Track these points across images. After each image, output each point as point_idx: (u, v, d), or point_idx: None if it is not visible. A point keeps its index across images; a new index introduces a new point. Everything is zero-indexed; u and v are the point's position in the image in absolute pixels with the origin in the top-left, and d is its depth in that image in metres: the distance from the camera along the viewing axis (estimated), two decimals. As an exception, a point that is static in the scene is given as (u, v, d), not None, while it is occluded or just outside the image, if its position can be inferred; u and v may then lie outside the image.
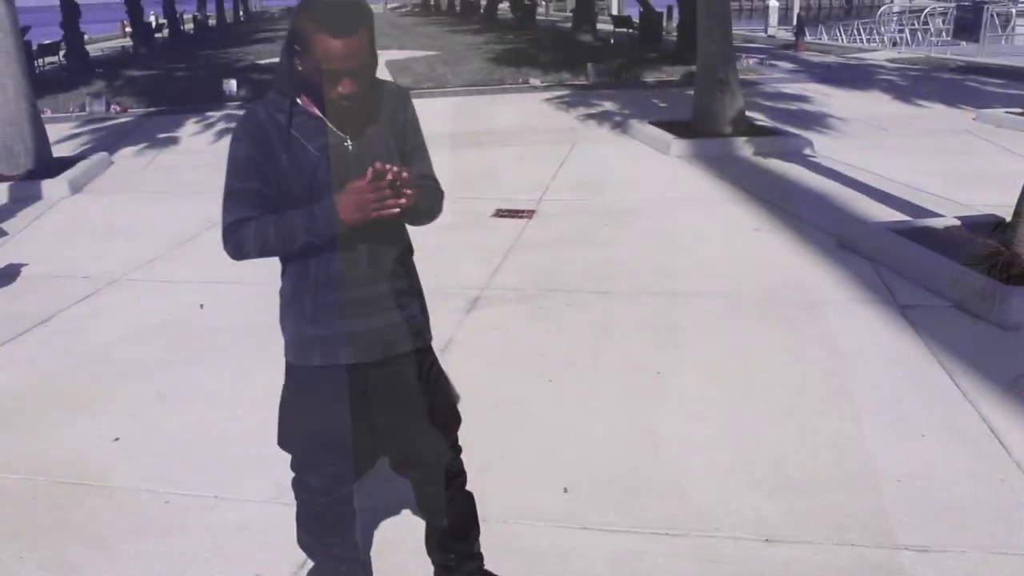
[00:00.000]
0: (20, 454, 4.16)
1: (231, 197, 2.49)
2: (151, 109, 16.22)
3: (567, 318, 5.62)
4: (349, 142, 2.47)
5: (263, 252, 2.49)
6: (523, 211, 8.15)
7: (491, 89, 16.95)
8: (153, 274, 6.89)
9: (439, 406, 2.77)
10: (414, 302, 2.68)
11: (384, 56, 19.89)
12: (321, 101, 2.43)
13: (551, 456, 3.99)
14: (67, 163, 10.66)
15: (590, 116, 13.55)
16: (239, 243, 2.49)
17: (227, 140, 10.55)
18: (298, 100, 2.46)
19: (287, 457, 4.00)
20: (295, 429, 2.74)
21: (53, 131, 11.90)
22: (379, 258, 2.56)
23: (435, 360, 2.80)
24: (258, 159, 2.44)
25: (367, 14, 2.33)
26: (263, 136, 2.44)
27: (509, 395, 4.52)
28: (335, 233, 2.40)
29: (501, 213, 8.13)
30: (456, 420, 2.85)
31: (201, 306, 6.04)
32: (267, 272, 6.81)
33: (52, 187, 9.75)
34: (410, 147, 2.60)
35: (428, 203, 2.60)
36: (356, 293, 2.55)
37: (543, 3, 57.10)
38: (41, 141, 10.63)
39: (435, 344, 2.85)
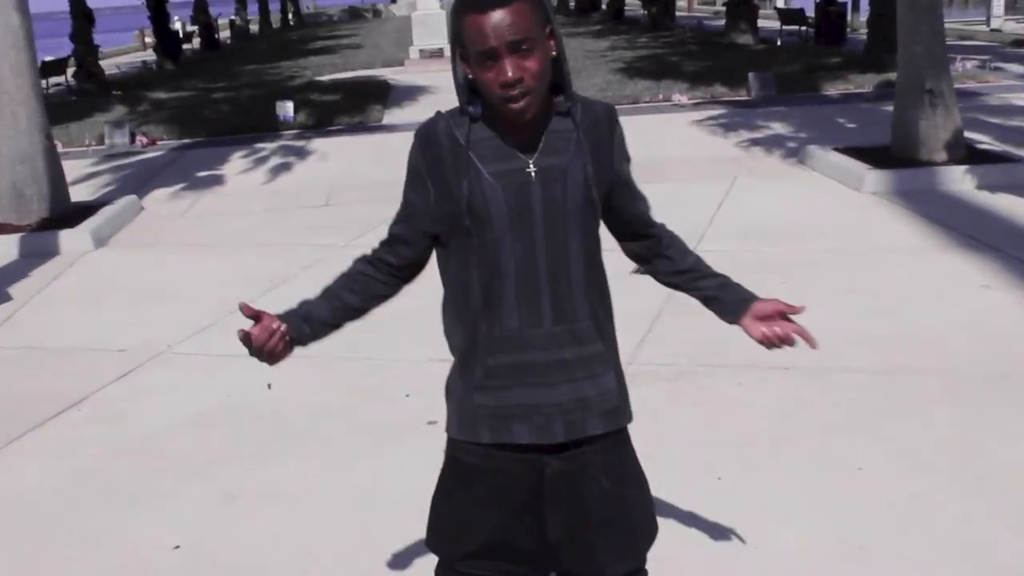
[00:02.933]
0: (69, 561, 4.55)
1: (401, 205, 2.84)
2: (186, 141, 17.17)
3: (737, 400, 5.84)
4: (532, 166, 2.67)
5: None
6: (672, 265, 8.41)
7: (623, 109, 17.32)
8: (205, 346, 7.34)
9: (631, 513, 2.90)
10: (609, 372, 2.82)
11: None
12: (494, 111, 2.66)
13: (726, 569, 4.19)
14: (88, 209, 11.42)
15: (755, 141, 13.81)
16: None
17: (284, 177, 11.30)
18: (477, 114, 2.70)
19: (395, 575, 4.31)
20: (448, 524, 2.90)
21: (68, 170, 12.66)
22: (568, 314, 2.73)
23: (631, 450, 2.96)
24: (422, 175, 2.72)
25: None
26: (436, 150, 2.69)
27: (669, 494, 4.74)
28: None
29: (645, 269, 8.40)
30: (650, 534, 2.97)
31: (269, 386, 6.44)
32: (352, 344, 7.23)
33: (72, 239, 10.44)
34: (622, 179, 2.82)
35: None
36: (536, 356, 2.71)
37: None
38: (58, 183, 11.39)
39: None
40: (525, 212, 2.65)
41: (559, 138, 2.68)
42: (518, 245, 2.67)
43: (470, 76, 2.62)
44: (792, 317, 2.94)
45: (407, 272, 2.87)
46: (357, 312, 2.91)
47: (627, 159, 2.84)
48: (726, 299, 3.02)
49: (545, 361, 2.72)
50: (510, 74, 2.51)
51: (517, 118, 2.58)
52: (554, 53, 2.63)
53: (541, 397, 2.73)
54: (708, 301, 3.05)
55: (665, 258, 3.05)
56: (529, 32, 2.52)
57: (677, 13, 42.04)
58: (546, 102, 2.66)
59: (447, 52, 23.58)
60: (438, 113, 2.76)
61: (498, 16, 2.49)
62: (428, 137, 2.71)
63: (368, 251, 2.90)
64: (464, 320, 2.77)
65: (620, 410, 2.87)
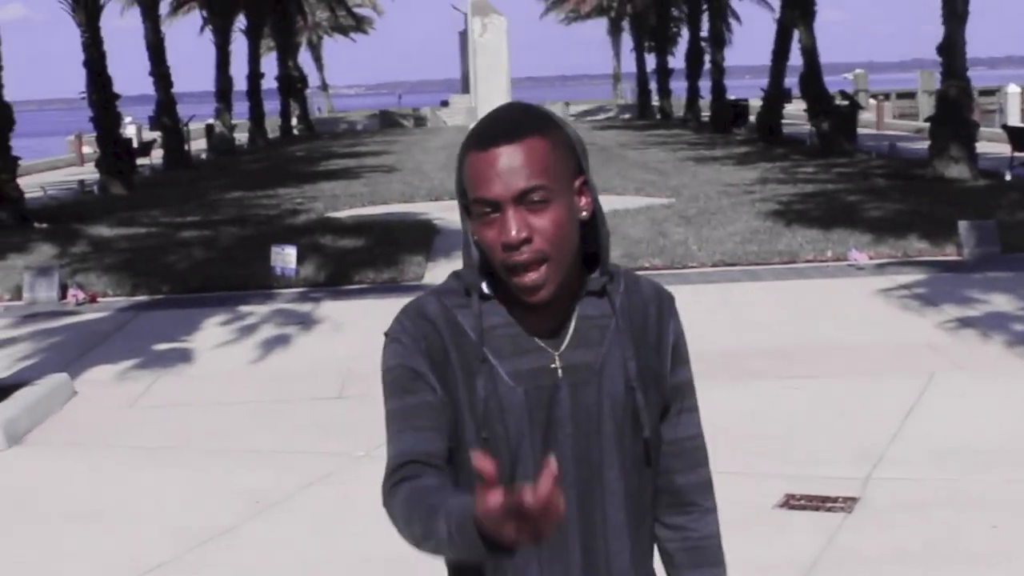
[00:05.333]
0: None
1: (390, 422, 2.95)
2: (140, 299, 17.64)
3: None
4: (557, 361, 2.92)
5: (413, 540, 2.80)
6: (835, 499, 8.58)
7: (773, 271, 17.74)
8: (162, 593, 7.59)
9: None
10: None
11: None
12: (507, 287, 2.88)
13: None
14: (-3, 392, 11.73)
15: (966, 322, 13.91)
16: (392, 511, 2.85)
17: (280, 356, 11.64)
18: (485, 291, 2.94)
19: None
20: None
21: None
22: (602, 565, 2.96)
23: None
24: (422, 375, 2.90)
25: (541, 121, 2.83)
26: (436, 347, 2.93)
27: None
28: (482, 553, 2.55)
29: (794, 502, 8.59)
30: None
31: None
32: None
33: (-26, 434, 10.74)
34: (674, 383, 3.06)
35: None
36: None
37: (873, 102, 58.04)
38: (-42, 353, 11.79)
39: None
40: (550, 426, 2.89)
41: (592, 326, 2.93)
42: (539, 469, 2.84)
43: (476, 237, 2.87)
44: None
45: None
46: None
47: (685, 362, 3.08)
48: None
49: None
50: (513, 232, 2.74)
51: (528, 296, 2.80)
52: (585, 214, 2.87)
53: None
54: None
55: (683, 515, 3.13)
56: (544, 178, 2.75)
57: (860, 130, 41.97)
58: (576, 278, 2.91)
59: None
60: (425, 296, 3.00)
61: (504, 154, 2.74)
62: (420, 331, 2.92)
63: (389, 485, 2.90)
64: (467, 571, 2.98)
65: None
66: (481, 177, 2.74)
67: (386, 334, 2.96)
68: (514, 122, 2.77)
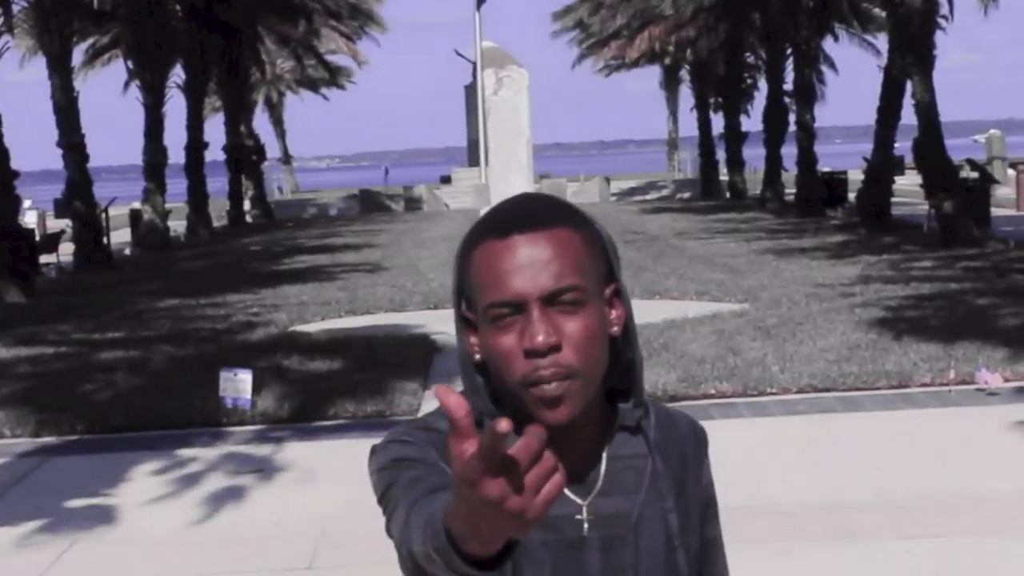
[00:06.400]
0: None
1: (392, 499, 2.83)
2: (46, 440, 17.55)
3: None
4: (584, 511, 3.02)
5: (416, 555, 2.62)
6: None
7: (878, 399, 17.75)
8: None
9: None
10: None
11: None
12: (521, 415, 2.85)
13: None
14: None
15: None
16: (412, 549, 2.68)
17: (232, 514, 12.24)
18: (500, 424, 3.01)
19: None
20: None
21: None
22: None
23: None
24: (438, 464, 2.81)
25: (569, 211, 2.91)
26: (447, 461, 2.77)
27: None
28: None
29: None
30: None
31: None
32: None
33: None
34: (709, 538, 3.25)
35: None
36: None
37: (1012, 173, 57.81)
38: None
39: None
40: None
41: (625, 467, 3.04)
42: None
43: (478, 357, 2.92)
44: None
45: None
46: None
47: (717, 512, 3.26)
48: None
49: None
50: (540, 337, 2.74)
51: (546, 413, 2.79)
52: (616, 328, 2.94)
53: None
54: None
55: None
56: (578, 277, 2.79)
57: (994, 210, 41.63)
58: (601, 410, 2.99)
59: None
60: (426, 416, 3.08)
61: (531, 243, 2.78)
62: (429, 439, 2.91)
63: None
64: None
65: None
66: (499, 272, 2.75)
67: (375, 447, 2.99)
68: (538, 210, 2.81)
